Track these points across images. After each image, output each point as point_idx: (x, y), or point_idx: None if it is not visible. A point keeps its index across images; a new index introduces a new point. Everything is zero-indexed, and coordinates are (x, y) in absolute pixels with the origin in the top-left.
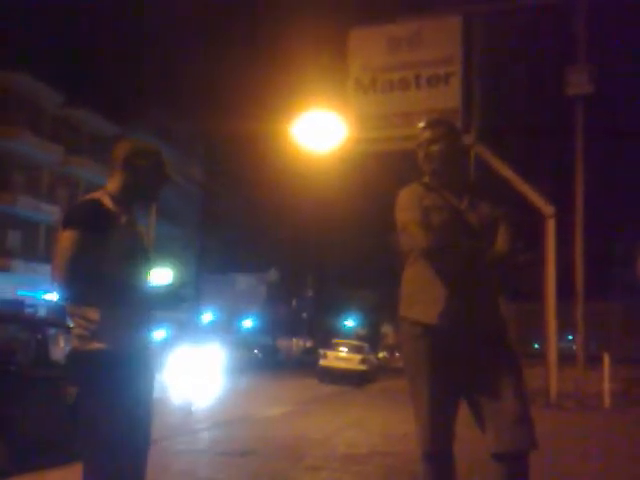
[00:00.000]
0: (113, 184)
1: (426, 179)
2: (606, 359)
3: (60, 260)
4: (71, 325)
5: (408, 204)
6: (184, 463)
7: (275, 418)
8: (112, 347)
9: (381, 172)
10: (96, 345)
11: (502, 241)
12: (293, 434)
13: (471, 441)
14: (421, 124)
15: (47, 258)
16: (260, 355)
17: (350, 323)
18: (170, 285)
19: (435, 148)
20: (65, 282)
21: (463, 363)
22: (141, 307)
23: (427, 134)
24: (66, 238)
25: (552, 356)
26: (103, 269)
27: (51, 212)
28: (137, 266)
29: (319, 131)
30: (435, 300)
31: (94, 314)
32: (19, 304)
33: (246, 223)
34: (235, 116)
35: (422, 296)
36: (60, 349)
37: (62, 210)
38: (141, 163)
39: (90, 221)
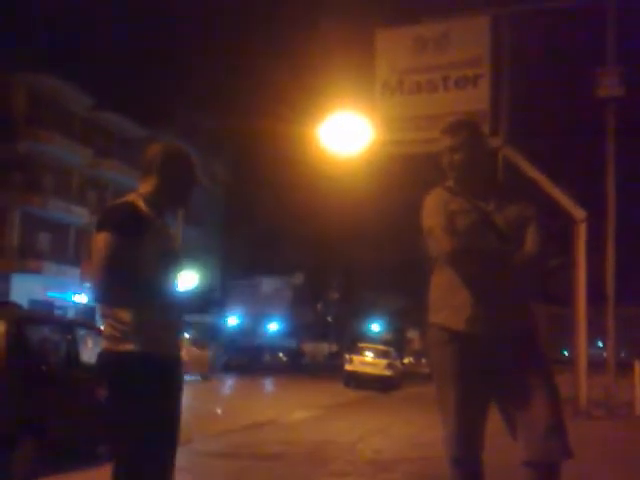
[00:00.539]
0: (146, 187)
1: (451, 183)
2: (637, 366)
3: (94, 262)
4: (102, 326)
5: (434, 210)
6: (210, 466)
7: (300, 422)
8: (143, 348)
9: (407, 175)
10: (127, 346)
11: (531, 243)
12: (319, 439)
13: (500, 447)
14: (441, 127)
15: (77, 260)
16: (285, 359)
17: (376, 327)
18: (198, 289)
19: (457, 157)
20: (99, 284)
21: (492, 369)
22: (172, 310)
23: (448, 141)
24: (100, 240)
25: (582, 363)
26: (136, 272)
27: (81, 214)
28: (169, 269)
29: (345, 133)
30: (462, 306)
31: (126, 315)
32: (49, 306)
33: (271, 225)
34: (261, 117)
35: (450, 301)
36: (89, 350)
37: (92, 212)
38: (174, 167)
39: (124, 224)
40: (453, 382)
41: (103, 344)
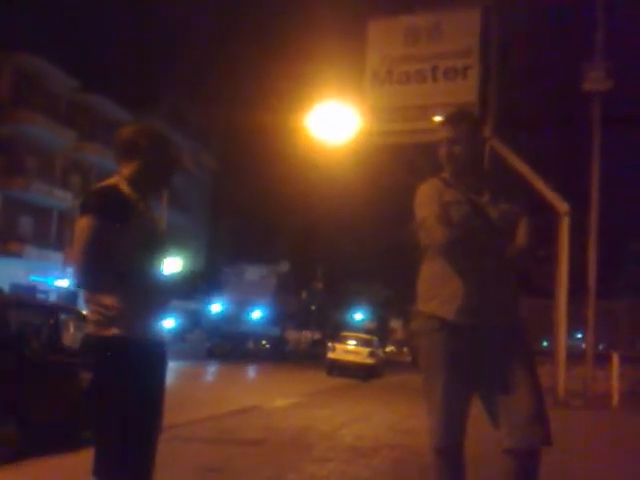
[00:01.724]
0: (128, 170)
1: (445, 174)
2: (615, 358)
3: (76, 247)
4: (86, 311)
5: (427, 199)
6: (193, 452)
7: (283, 409)
8: (127, 333)
9: (395, 166)
10: (112, 331)
11: (523, 236)
12: (301, 425)
13: (480, 436)
14: (441, 118)
15: (59, 245)
16: (268, 346)
17: (359, 317)
18: (184, 273)
19: (457, 149)
20: (81, 269)
21: (479, 358)
22: (157, 295)
23: (449, 132)
24: (83, 224)
25: (561, 354)
26: (120, 256)
27: (64, 198)
28: (154, 254)
29: (333, 123)
30: (453, 295)
31: (110, 300)
32: (31, 290)
33: (258, 213)
34: (249, 106)
35: (440, 291)
36: (71, 335)
37: (75, 196)
38: (153, 148)
39: (108, 208)
40: (441, 371)
41: (88, 328)
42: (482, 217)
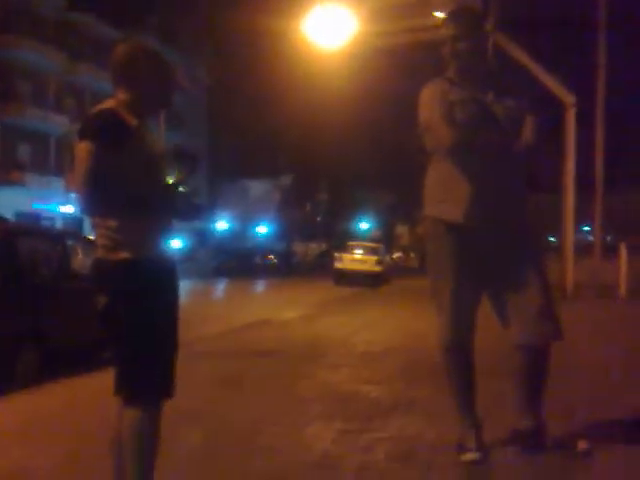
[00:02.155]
0: (123, 93)
1: (450, 73)
2: (623, 249)
3: (77, 173)
4: (94, 235)
5: (432, 100)
6: (208, 366)
7: (294, 320)
8: (136, 255)
9: (395, 69)
10: (121, 255)
11: (529, 132)
12: (312, 335)
13: (489, 334)
14: (443, 16)
15: (59, 171)
16: (275, 260)
17: (365, 225)
18: (176, 186)
19: (461, 46)
20: (84, 195)
21: (487, 259)
22: (161, 216)
23: (451, 30)
24: (82, 150)
25: (569, 248)
26: (121, 180)
27: (60, 123)
28: (156, 176)
29: (331, 26)
30: (461, 199)
31: (116, 224)
32: (35, 217)
33: (256, 127)
34: (242, 11)
35: (447, 194)
36: (79, 260)
37: (71, 121)
38: (142, 68)
39: (106, 132)
40: (449, 273)
41: (97, 253)
42: (488, 116)
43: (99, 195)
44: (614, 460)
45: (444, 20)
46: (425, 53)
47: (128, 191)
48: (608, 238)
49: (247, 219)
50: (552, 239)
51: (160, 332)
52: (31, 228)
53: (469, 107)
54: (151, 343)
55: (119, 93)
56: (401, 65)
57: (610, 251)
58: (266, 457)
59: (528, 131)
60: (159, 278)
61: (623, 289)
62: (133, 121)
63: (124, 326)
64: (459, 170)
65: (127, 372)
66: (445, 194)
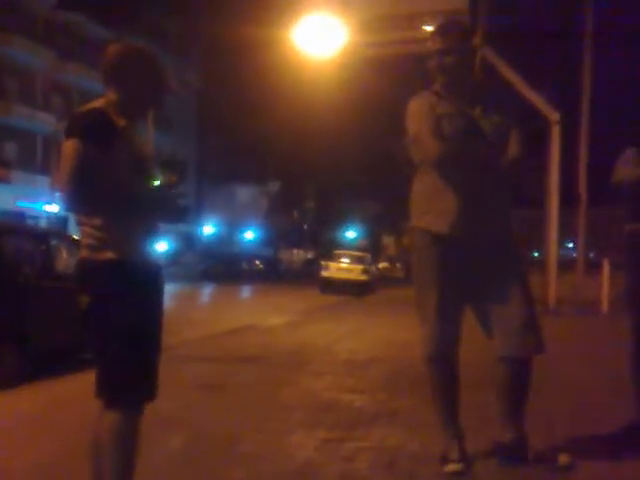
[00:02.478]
0: (113, 93)
1: (437, 87)
2: (606, 265)
3: (63, 170)
4: (79, 235)
5: (419, 113)
6: (192, 370)
7: (279, 327)
8: (121, 256)
9: (384, 80)
10: (106, 255)
11: (514, 147)
12: (297, 342)
13: (472, 345)
14: (430, 29)
15: (45, 169)
16: (262, 266)
17: (351, 234)
18: (161, 189)
19: (448, 60)
20: (68, 192)
21: (472, 271)
22: (147, 216)
23: (439, 44)
24: (69, 148)
25: (552, 263)
26: (107, 179)
27: (47, 122)
28: (142, 176)
29: (320, 36)
30: (446, 210)
31: (101, 224)
32: (20, 216)
33: (245, 133)
34: (233, 18)
35: (433, 206)
36: (63, 260)
37: (58, 119)
38: (134, 68)
39: (93, 131)
40: (434, 284)
41: (81, 252)
42: (474, 130)
43: (83, 193)
44: (595, 474)
45: (432, 34)
46: (414, 65)
47: (114, 190)
48: (591, 255)
49: (234, 224)
50: (535, 254)
51: (143, 334)
52: (15, 226)
53: (456, 121)
54: (134, 345)
55: (109, 93)
56: (390, 76)
57: (593, 267)
58: (247, 465)
59: (513, 145)
60: (144, 280)
61: (605, 305)
62: (121, 121)
63: (107, 327)
64: (445, 182)
65: (108, 374)
66: (431, 205)
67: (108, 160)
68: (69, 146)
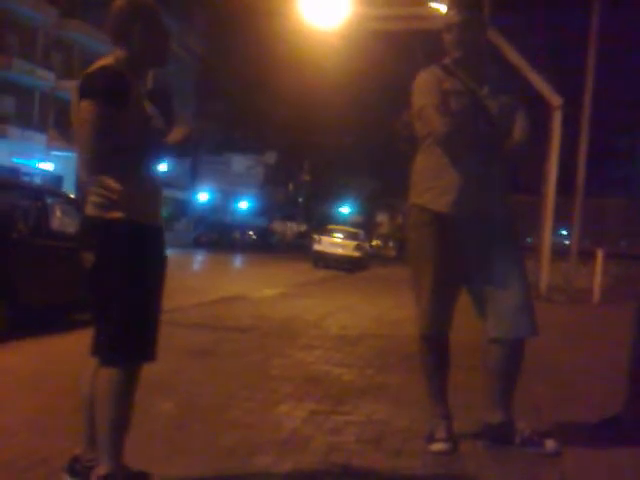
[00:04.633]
0: (120, 50)
1: (447, 61)
2: (599, 254)
3: (83, 135)
4: (85, 193)
5: (426, 88)
6: (182, 336)
7: (270, 298)
8: (131, 216)
9: (389, 54)
10: (115, 214)
11: (519, 130)
12: (288, 314)
13: (465, 327)
14: (449, 2)
15: (42, 126)
16: (254, 237)
17: (345, 210)
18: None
19: (466, 35)
20: (91, 158)
21: (469, 251)
22: (156, 179)
23: (457, 17)
24: (88, 111)
25: (546, 250)
26: (125, 139)
27: (46, 78)
28: (154, 134)
29: (326, 6)
30: (447, 188)
31: (113, 184)
32: (14, 172)
33: (245, 101)
34: None
35: (434, 183)
36: (58, 219)
37: (58, 76)
38: (140, 24)
39: (112, 91)
40: (430, 262)
41: (87, 210)
42: (480, 109)
43: (104, 154)
44: (580, 461)
45: (451, 5)
46: (418, 41)
47: (129, 150)
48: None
49: (229, 193)
50: (528, 240)
51: (145, 294)
52: (10, 181)
53: (463, 98)
54: (135, 304)
55: (117, 50)
56: (394, 51)
57: (586, 256)
58: (236, 432)
59: (518, 128)
60: (150, 241)
61: (597, 294)
62: (132, 78)
63: (110, 285)
64: (447, 160)
65: (108, 332)
66: (432, 183)
67: (124, 119)
68: (88, 108)
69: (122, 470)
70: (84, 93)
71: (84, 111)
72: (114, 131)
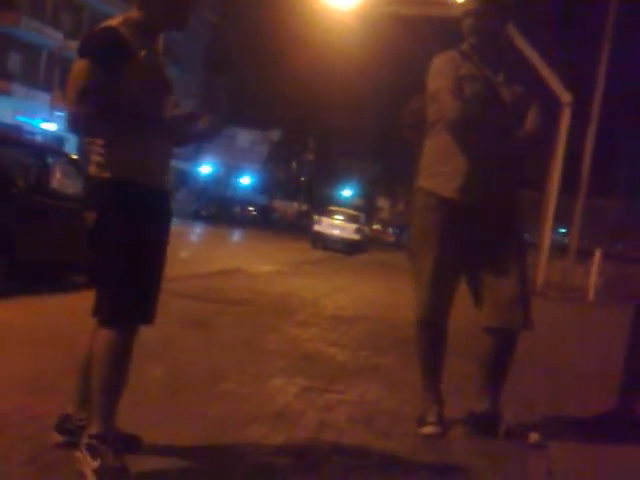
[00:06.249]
0: (135, 11)
1: (465, 47)
2: (597, 254)
3: (70, 90)
4: (86, 153)
5: (443, 71)
6: (177, 306)
7: (267, 274)
8: (129, 176)
9: (402, 38)
10: (115, 173)
11: (532, 121)
12: (284, 291)
13: (463, 315)
14: None
15: (47, 85)
16: (255, 213)
17: (347, 192)
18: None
19: (483, 22)
20: (73, 113)
21: (472, 238)
22: (162, 141)
23: (475, 4)
24: (78, 67)
25: (545, 246)
26: (118, 99)
27: (54, 37)
28: (157, 99)
29: None
30: (455, 174)
31: (109, 143)
32: (17, 130)
33: (255, 76)
34: None
35: (442, 168)
36: (58, 178)
37: (66, 37)
38: None
39: (104, 51)
40: (432, 247)
41: (91, 170)
42: (495, 96)
43: (89, 112)
44: (563, 455)
45: None
46: (433, 27)
47: (124, 111)
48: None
49: (232, 167)
50: (527, 235)
51: (146, 256)
52: (12, 137)
53: (478, 84)
54: (135, 266)
55: (132, 10)
56: (409, 36)
57: (583, 255)
58: (227, 403)
59: (531, 119)
60: (153, 203)
61: (592, 293)
62: (136, 41)
63: (110, 245)
64: (457, 145)
65: (107, 293)
66: (440, 168)
67: (120, 81)
68: (79, 66)
69: (113, 431)
70: (79, 51)
71: (75, 68)
72: (107, 91)
